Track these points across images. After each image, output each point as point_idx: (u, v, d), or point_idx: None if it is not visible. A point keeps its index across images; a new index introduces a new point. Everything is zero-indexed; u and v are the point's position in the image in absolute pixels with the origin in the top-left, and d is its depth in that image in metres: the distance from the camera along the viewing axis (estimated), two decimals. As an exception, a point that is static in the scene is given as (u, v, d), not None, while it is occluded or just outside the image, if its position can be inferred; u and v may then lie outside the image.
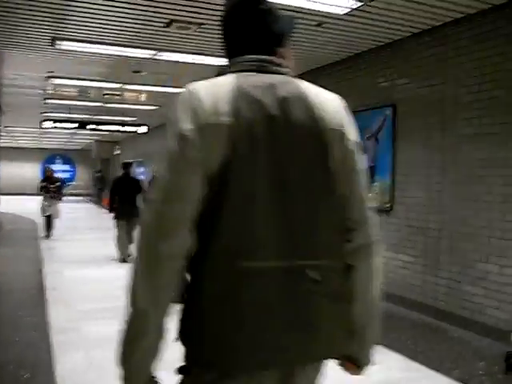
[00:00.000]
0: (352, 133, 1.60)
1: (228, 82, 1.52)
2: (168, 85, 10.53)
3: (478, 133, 5.68)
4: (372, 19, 5.99)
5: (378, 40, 6.83)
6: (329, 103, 1.59)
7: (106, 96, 12.19)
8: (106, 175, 27.10)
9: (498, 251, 5.43)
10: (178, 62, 8.37)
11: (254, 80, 1.54)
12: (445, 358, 4.90)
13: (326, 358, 1.59)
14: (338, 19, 6.01)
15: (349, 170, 1.57)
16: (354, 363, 1.71)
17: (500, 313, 5.36)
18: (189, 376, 1.51)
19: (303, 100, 1.53)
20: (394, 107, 6.81)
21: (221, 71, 1.61)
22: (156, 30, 6.73)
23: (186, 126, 1.44)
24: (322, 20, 6.08)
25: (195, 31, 6.59)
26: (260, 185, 1.46)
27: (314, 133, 1.51)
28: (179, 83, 10.25)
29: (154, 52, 7.81)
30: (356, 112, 7.58)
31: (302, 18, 5.94)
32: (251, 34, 1.63)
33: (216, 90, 1.49)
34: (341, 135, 1.55)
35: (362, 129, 7.33)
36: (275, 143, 1.48)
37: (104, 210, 17.41)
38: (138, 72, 9.46)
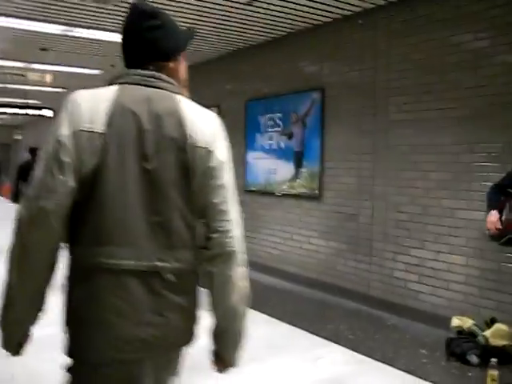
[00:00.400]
0: (219, 151, 1.72)
1: (108, 93, 1.67)
2: (78, 65, 9.88)
3: (411, 119, 5.63)
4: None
5: (307, 22, 6.60)
6: (201, 122, 1.72)
7: (7, 75, 11.24)
8: (5, 162, 25.47)
9: (434, 237, 5.43)
10: (92, 40, 7.78)
11: (133, 93, 1.69)
12: (386, 347, 4.83)
13: (174, 348, 1.76)
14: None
15: (211, 185, 1.69)
16: (221, 361, 1.86)
17: (436, 298, 5.37)
18: (70, 367, 1.72)
19: (176, 116, 1.66)
20: (322, 91, 6.65)
21: (110, 81, 1.74)
22: (69, 3, 6.12)
23: (63, 131, 1.60)
24: (251, -2, 5.82)
25: (114, 6, 6.10)
26: (128, 191, 1.62)
27: (180, 147, 1.65)
28: (91, 63, 9.65)
29: (65, 28, 7.17)
30: (282, 95, 7.76)
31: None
32: (137, 49, 1.75)
33: (96, 100, 1.65)
34: (206, 153, 1.68)
35: (288, 112, 7.39)
36: (144, 153, 1.63)
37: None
38: (45, 50, 8.73)
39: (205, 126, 1.71)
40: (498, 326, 4.59)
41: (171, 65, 1.78)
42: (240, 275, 1.74)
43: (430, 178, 5.48)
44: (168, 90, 1.71)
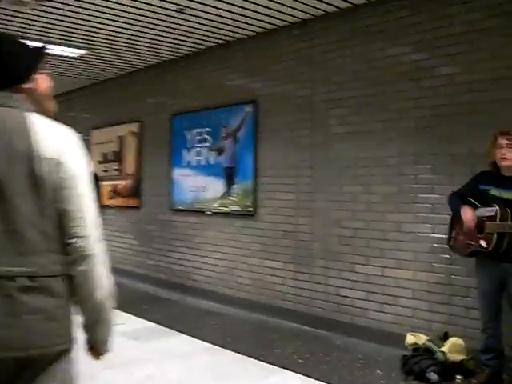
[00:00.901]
0: (71, 162, 1.82)
1: None
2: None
3: (352, 131, 5.52)
4: (235, 8, 5.55)
5: (240, 32, 6.37)
6: (49, 135, 1.81)
7: None
8: None
9: (379, 252, 5.30)
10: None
11: None
12: (340, 370, 4.58)
13: (41, 350, 1.80)
14: (202, 4, 5.45)
15: (64, 194, 1.80)
16: (94, 349, 2.02)
17: (384, 315, 5.21)
18: None
19: (25, 131, 1.77)
20: (255, 104, 6.41)
21: None
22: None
23: None
24: (183, 5, 5.49)
25: (33, 10, 5.57)
26: None
27: (29, 160, 1.75)
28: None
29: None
30: (211, 109, 7.40)
31: (164, 1, 5.33)
32: None
33: None
34: (56, 164, 1.78)
35: (218, 127, 7.04)
36: None
37: None
38: None
39: (54, 139, 1.81)
40: (453, 340, 4.49)
41: (28, 85, 1.90)
42: (101, 275, 1.88)
43: (373, 192, 5.36)
44: (20, 108, 1.83)
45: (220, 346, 5.13)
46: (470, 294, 4.68)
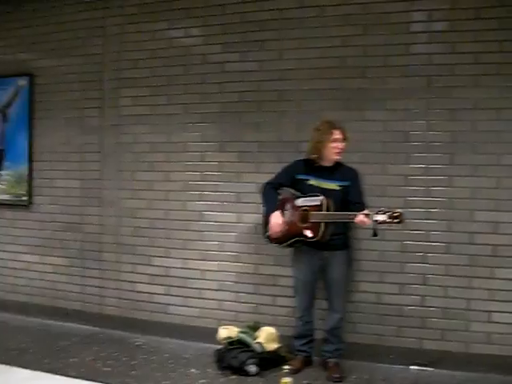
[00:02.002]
0: None
1: None
2: None
3: (148, 114, 5.09)
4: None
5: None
6: None
7: None
8: None
9: (181, 244, 5.00)
10: None
11: None
12: (152, 373, 4.15)
13: None
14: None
15: None
16: None
17: (188, 310, 4.96)
18: None
19: None
20: (30, 78, 5.52)
21: None
22: None
23: None
24: None
25: None
26: None
27: None
28: None
29: None
30: None
31: None
32: None
33: None
34: None
35: None
36: None
37: None
38: None
39: None
40: (266, 329, 4.42)
41: None
42: None
43: (172, 180, 5.04)
44: None
45: (3, 363, 4.30)
46: (278, 282, 4.70)
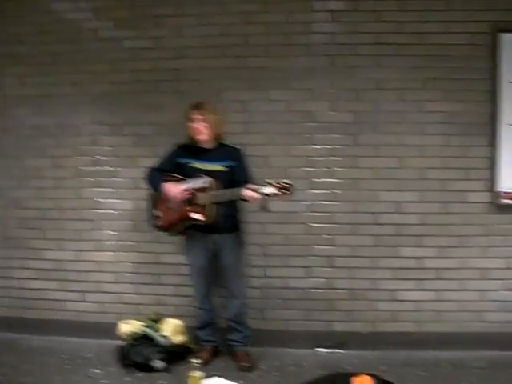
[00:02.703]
0: None
1: None
2: None
3: (34, 94, 4.62)
4: None
5: None
6: None
7: None
8: None
9: (74, 235, 4.64)
10: None
11: None
12: (49, 377, 3.80)
13: None
14: None
15: None
16: None
17: (85, 305, 4.62)
18: None
19: None
20: None
21: None
22: None
23: None
24: None
25: None
26: None
27: None
28: None
29: None
30: None
31: None
32: None
33: None
34: None
35: None
36: None
37: None
38: None
39: None
40: (172, 321, 4.22)
41: None
42: None
43: (62, 166, 4.64)
44: None
45: None
46: (180, 271, 4.47)
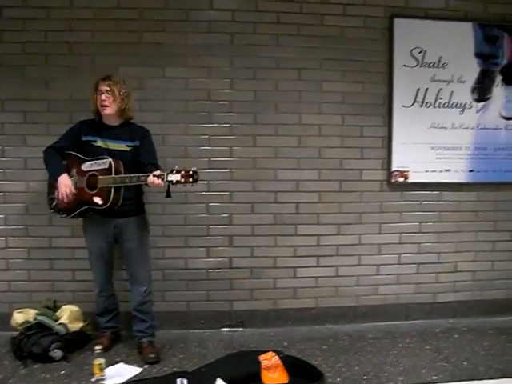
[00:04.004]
0: None
1: None
2: None
3: None
4: None
5: None
6: None
7: None
8: None
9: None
10: None
11: None
12: None
13: None
14: None
15: None
16: None
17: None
18: None
19: None
20: None
21: None
22: None
23: None
24: None
25: None
26: None
27: None
28: None
29: None
30: None
31: None
32: None
33: None
34: None
35: None
36: None
37: None
38: None
39: None
40: (69, 308, 4.06)
41: None
42: None
43: None
44: None
45: None
46: (75, 255, 4.30)
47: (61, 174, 3.68)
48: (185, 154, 4.27)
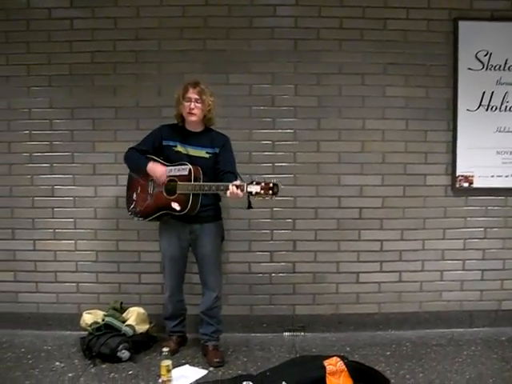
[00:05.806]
0: None
1: None
2: None
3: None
4: None
5: None
6: None
7: None
8: None
9: (28, 224, 4.40)
10: None
11: None
12: (6, 375, 3.60)
13: None
14: None
15: None
16: None
17: (40, 296, 4.42)
18: None
19: None
20: None
21: None
22: None
23: None
24: None
25: None
26: None
27: None
28: None
29: None
30: None
31: None
32: None
33: None
34: None
35: None
36: None
37: None
38: None
39: None
40: (136, 310, 4.15)
41: None
42: None
43: (14, 151, 4.39)
44: None
45: None
46: (142, 258, 4.41)
47: (148, 163, 3.75)
48: (249, 160, 4.32)
